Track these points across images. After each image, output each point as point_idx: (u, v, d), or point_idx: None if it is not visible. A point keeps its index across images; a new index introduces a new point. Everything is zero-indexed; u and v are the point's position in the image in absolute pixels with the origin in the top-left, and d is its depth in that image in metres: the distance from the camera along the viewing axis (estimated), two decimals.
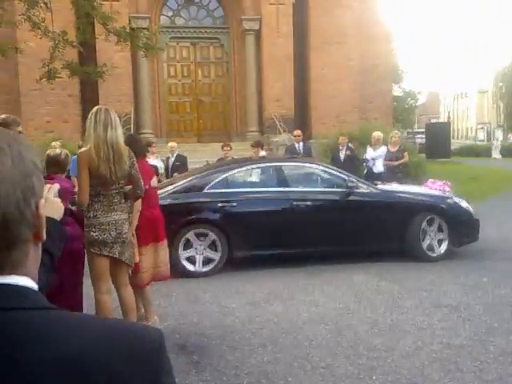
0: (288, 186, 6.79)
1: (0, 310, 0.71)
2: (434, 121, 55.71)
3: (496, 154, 29.74)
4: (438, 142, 23.15)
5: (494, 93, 63.04)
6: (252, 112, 16.26)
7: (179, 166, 10.29)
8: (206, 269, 6.36)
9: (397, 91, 34.27)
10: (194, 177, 6.82)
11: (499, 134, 64.16)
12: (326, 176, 7.11)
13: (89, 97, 14.01)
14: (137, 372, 0.72)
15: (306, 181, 7.18)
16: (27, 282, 0.77)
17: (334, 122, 15.91)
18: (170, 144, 10.84)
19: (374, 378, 3.42)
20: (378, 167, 9.67)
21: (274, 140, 14.77)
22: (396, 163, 9.48)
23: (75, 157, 4.19)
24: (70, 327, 0.74)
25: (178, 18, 16.60)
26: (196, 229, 6.37)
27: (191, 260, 6.36)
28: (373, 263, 6.60)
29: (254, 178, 7.12)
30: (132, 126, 13.82)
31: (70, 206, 3.73)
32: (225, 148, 10.09)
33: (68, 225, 3.71)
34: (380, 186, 7.24)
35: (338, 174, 7.08)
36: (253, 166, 7.18)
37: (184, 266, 6.29)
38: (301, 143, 10.82)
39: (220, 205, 6.41)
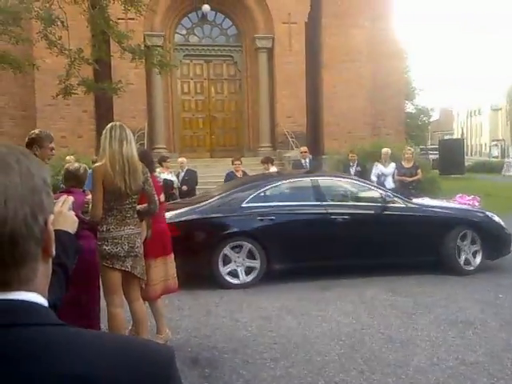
0: (325, 200, 6.87)
1: (8, 326, 0.71)
2: (447, 137, 55.50)
3: (509, 172, 29.52)
4: (451, 159, 23.06)
5: (508, 110, 62.73)
6: (264, 128, 16.35)
7: (189, 180, 10.38)
8: (250, 278, 6.41)
9: (410, 108, 34.24)
10: (232, 191, 6.89)
11: None
12: (363, 190, 7.24)
13: (103, 113, 14.21)
14: None
15: (342, 195, 7.27)
16: (36, 298, 0.77)
17: (346, 138, 15.93)
18: (180, 159, 10.97)
19: None
20: (390, 183, 9.64)
21: (285, 155, 14.82)
22: (410, 179, 9.44)
23: (90, 171, 4.24)
24: (78, 344, 0.73)
25: (191, 36, 16.84)
26: (233, 242, 6.43)
27: (233, 274, 6.40)
28: (386, 278, 6.54)
29: (291, 192, 7.14)
30: (146, 141, 13.97)
31: (86, 219, 3.75)
32: (235, 162, 10.18)
33: (85, 238, 3.75)
34: (415, 201, 7.34)
35: (374, 188, 7.29)
36: (290, 180, 7.30)
37: (228, 281, 6.35)
38: (307, 159, 10.86)
39: (258, 218, 6.49)
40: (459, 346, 4.18)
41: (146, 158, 4.35)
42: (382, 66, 16.96)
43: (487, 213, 7.33)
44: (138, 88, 14.40)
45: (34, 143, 3.77)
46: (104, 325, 4.02)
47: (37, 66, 8.62)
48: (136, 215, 3.79)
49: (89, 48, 8.27)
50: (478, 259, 6.91)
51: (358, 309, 5.30)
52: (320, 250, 6.60)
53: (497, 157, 66.70)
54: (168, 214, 6.22)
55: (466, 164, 27.86)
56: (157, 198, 3.90)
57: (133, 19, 12.34)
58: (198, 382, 3.62)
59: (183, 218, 6.32)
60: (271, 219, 6.51)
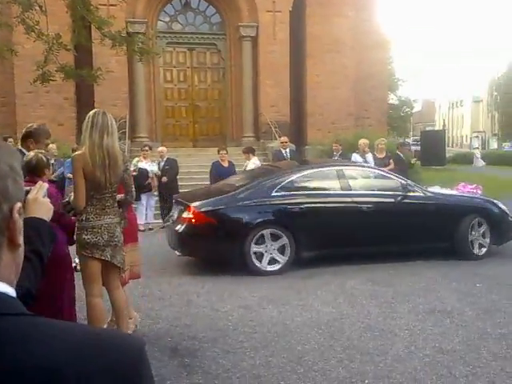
0: (350, 190, 7.05)
1: None
2: (429, 128, 56.01)
3: (479, 163, 30.43)
4: (432, 150, 23.24)
5: (489, 102, 63.52)
6: (248, 117, 16.29)
7: (169, 169, 10.32)
8: (269, 268, 6.52)
9: (392, 99, 34.41)
10: (260, 180, 7.03)
11: (493, 143, 64.58)
12: (385, 179, 7.45)
13: (84, 100, 14.00)
14: (115, 382, 0.70)
15: (366, 184, 7.39)
16: (1, 287, 0.75)
17: (330, 128, 15.96)
18: (160, 149, 10.92)
19: (367, 381, 3.41)
20: None
21: (269, 146, 14.80)
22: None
23: (69, 160, 4.18)
24: (45, 335, 0.71)
25: (175, 24, 16.63)
26: (268, 229, 6.58)
27: (258, 256, 6.51)
28: (366, 268, 6.62)
29: (318, 181, 7.28)
30: (127, 129, 13.82)
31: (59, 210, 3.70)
32: (221, 152, 10.15)
33: (55, 228, 3.69)
34: (431, 189, 7.70)
35: (395, 178, 7.49)
36: (316, 169, 7.47)
37: (252, 262, 6.45)
38: (288, 149, 10.87)
39: (288, 207, 6.69)
40: (436, 335, 4.24)
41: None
42: (366, 57, 16.97)
43: (494, 200, 7.73)
44: (120, 76, 14.21)
45: (30, 137, 3.70)
46: (83, 314, 3.99)
47: (15, 51, 8.43)
48: (116, 204, 3.76)
49: (69, 34, 8.11)
50: (488, 240, 7.28)
51: (339, 298, 5.34)
52: (347, 237, 6.85)
53: (477, 148, 67.59)
54: (196, 203, 6.53)
55: (447, 155, 28.16)
56: (134, 189, 3.88)
57: (114, 5, 12.19)
58: (178, 371, 3.61)
59: (214, 208, 6.54)
60: (300, 208, 6.68)
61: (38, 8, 7.20)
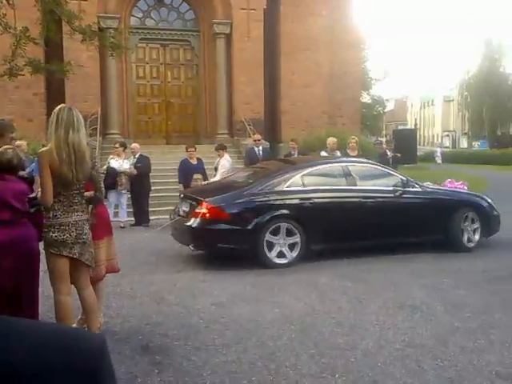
0: (355, 185, 7.32)
1: None
2: (401, 127, 56.81)
3: (439, 160, 32.65)
4: (404, 148, 23.56)
5: (460, 102, 64.77)
6: (222, 115, 16.25)
7: (141, 167, 10.22)
8: (278, 261, 6.70)
9: (366, 98, 34.74)
10: (271, 175, 7.23)
11: (464, 142, 65.89)
12: (386, 175, 7.73)
13: (55, 96, 13.72)
14: (74, 381, 0.69)
15: (368, 179, 7.62)
16: None
17: (303, 126, 16.05)
18: (133, 145, 10.81)
19: (337, 376, 3.43)
20: None
21: (243, 143, 14.80)
22: None
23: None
24: (1, 333, 0.70)
25: (148, 20, 16.47)
26: (280, 223, 6.77)
27: (269, 246, 6.69)
28: (338, 264, 6.70)
29: (325, 177, 7.45)
30: (99, 126, 13.63)
31: (27, 208, 3.63)
32: (189, 149, 10.11)
33: (23, 226, 3.63)
34: (425, 185, 8.02)
35: (394, 173, 7.87)
36: (324, 165, 7.62)
37: (264, 252, 6.63)
38: (260, 147, 10.88)
39: (299, 202, 6.91)
40: (406, 329, 4.30)
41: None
42: (340, 56, 17.10)
43: (482, 195, 8.23)
44: (92, 71, 14.00)
45: None
46: (51, 313, 3.92)
47: None
48: (84, 201, 3.70)
49: (38, 28, 7.93)
50: (477, 237, 7.71)
51: (311, 294, 5.37)
52: (354, 231, 7.11)
53: (448, 147, 68.93)
54: (210, 198, 6.74)
55: (419, 154, 28.67)
56: (103, 185, 3.83)
57: (85, 0, 12.02)
58: (149, 369, 3.58)
59: (228, 203, 6.71)
60: (310, 202, 6.91)
61: (5, 1, 7.03)
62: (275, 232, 6.73)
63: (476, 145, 59.22)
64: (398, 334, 4.21)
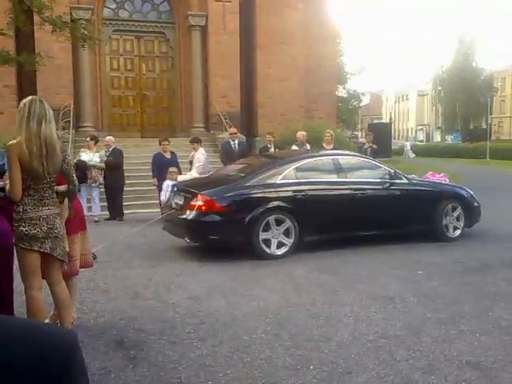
0: (345, 177, 7.48)
1: None
2: (376, 121, 57.39)
3: (410, 154, 33.67)
4: (379, 142, 23.82)
5: (434, 96, 65.66)
6: (197, 108, 16.14)
7: (113, 160, 10.11)
8: (279, 252, 6.81)
9: (341, 92, 34.92)
10: (265, 168, 7.33)
11: (437, 136, 66.86)
12: (375, 168, 7.92)
13: (26, 88, 13.44)
14: (45, 377, 0.68)
15: (358, 172, 7.79)
16: None
17: (280, 120, 16.06)
18: (107, 138, 10.70)
19: (312, 367, 3.46)
20: None
21: (219, 136, 14.74)
22: None
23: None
24: None
25: (122, 11, 16.23)
26: (274, 215, 6.87)
27: (267, 243, 6.79)
28: (313, 256, 6.75)
29: (317, 170, 7.57)
30: (72, 119, 13.40)
31: None
32: (163, 143, 10.02)
33: None
34: (411, 177, 8.27)
35: (383, 166, 8.03)
36: (316, 158, 7.77)
37: (262, 248, 6.74)
38: (236, 141, 10.85)
39: (293, 194, 7.02)
40: (379, 321, 4.36)
41: None
42: (316, 50, 17.15)
43: (465, 187, 8.48)
44: (64, 63, 13.72)
45: None
46: (23, 309, 3.85)
47: None
48: (54, 195, 3.64)
49: (6, 18, 7.73)
50: (462, 223, 8.01)
51: (286, 287, 5.41)
52: (345, 223, 7.29)
53: (422, 141, 69.91)
54: (206, 191, 6.82)
55: (393, 147, 29.01)
56: (75, 178, 3.77)
57: None
58: (123, 364, 3.55)
59: (224, 195, 6.80)
60: (303, 195, 7.05)
61: None
62: (268, 224, 6.83)
63: (449, 138, 60.21)
64: (371, 325, 4.27)
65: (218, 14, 15.59)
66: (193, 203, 6.76)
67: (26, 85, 13.78)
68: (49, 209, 3.55)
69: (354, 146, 15.60)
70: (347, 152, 8.84)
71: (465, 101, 56.43)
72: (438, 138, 67.67)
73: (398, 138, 75.68)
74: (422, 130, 78.62)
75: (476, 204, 8.25)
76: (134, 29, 16.10)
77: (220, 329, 4.21)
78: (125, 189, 10.58)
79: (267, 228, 6.80)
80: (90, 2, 15.01)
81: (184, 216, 6.80)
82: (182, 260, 6.73)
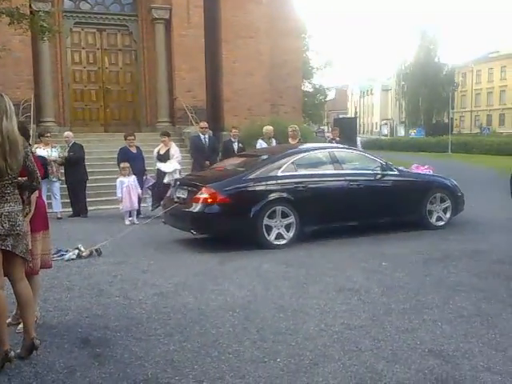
0: (342, 169, 7.77)
1: None
2: (342, 116, 58.01)
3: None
4: (345, 137, 24.10)
5: (397, 91, 66.83)
6: (162, 102, 15.98)
7: (73, 156, 9.93)
8: (277, 242, 7.05)
9: (307, 87, 35.15)
10: (266, 161, 7.52)
11: (401, 130, 68.08)
12: (368, 160, 8.24)
13: None
14: None
15: (352, 164, 8.06)
16: None
17: (246, 114, 16.07)
18: (66, 133, 10.54)
19: (279, 360, 3.48)
20: None
21: (185, 131, 14.64)
22: None
23: None
24: None
25: (82, 3, 15.89)
26: (278, 206, 7.11)
27: (268, 229, 7.02)
28: (281, 250, 6.81)
29: (315, 162, 7.85)
30: (32, 113, 13.06)
31: None
32: (129, 137, 9.91)
33: None
34: (401, 168, 8.62)
35: (374, 157, 8.39)
36: (314, 151, 8.06)
37: (263, 234, 6.96)
38: (206, 135, 10.80)
39: (293, 186, 7.24)
40: (345, 312, 4.43)
41: (25, 133, 4.11)
42: (281, 44, 17.21)
43: (449, 178, 8.92)
44: (23, 56, 13.38)
45: None
46: None
47: None
48: (17, 191, 3.54)
49: None
50: (448, 215, 8.41)
51: (254, 281, 5.42)
52: (343, 212, 7.58)
53: (386, 135, 71.09)
54: (211, 184, 7.03)
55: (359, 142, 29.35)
56: (39, 174, 3.67)
57: None
58: (89, 362, 3.50)
59: (228, 188, 6.98)
60: (303, 186, 7.26)
61: None
62: (272, 214, 7.05)
63: (412, 133, 61.46)
64: (337, 317, 4.33)
65: (181, 8, 15.43)
66: (198, 196, 6.95)
67: None
68: (10, 206, 3.45)
69: (322, 140, 15.79)
70: (342, 146, 9.19)
71: (427, 95, 57.69)
72: (402, 132, 68.98)
73: (364, 133, 76.82)
74: (386, 124, 79.94)
75: (459, 193, 8.64)
76: (96, 21, 15.80)
77: (187, 324, 4.19)
78: (88, 184, 10.40)
79: (272, 216, 7.05)
80: None
81: (189, 209, 6.96)
82: (149, 256, 6.66)
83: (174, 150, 9.88)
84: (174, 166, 9.61)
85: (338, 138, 12.44)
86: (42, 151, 9.59)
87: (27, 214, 3.79)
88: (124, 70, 16.31)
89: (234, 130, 10.79)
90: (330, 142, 12.22)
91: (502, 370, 3.31)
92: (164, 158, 9.78)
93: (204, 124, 11.05)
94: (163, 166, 9.59)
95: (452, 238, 7.58)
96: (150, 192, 9.83)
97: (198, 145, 10.58)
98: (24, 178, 3.64)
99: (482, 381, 3.17)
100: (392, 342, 3.77)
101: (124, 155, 9.72)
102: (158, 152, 9.92)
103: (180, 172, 9.70)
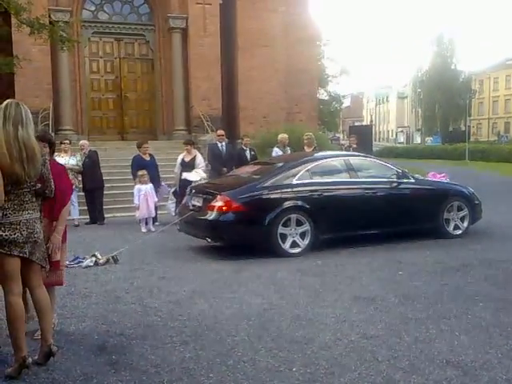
0: (357, 177, 7.74)
1: None
2: (357, 123, 57.80)
3: None
4: (360, 144, 24.03)
5: (413, 98, 66.39)
6: (179, 111, 16.10)
7: (89, 163, 10.06)
8: (292, 250, 7.03)
9: (323, 95, 35.12)
10: (280, 170, 7.57)
11: (417, 138, 67.51)
12: (383, 168, 8.21)
13: (4, 92, 13.18)
14: None
15: (367, 172, 8.03)
16: None
17: (262, 122, 16.12)
18: (81, 142, 10.66)
19: (294, 369, 3.47)
20: None
21: (201, 139, 14.72)
22: None
23: None
24: None
25: (101, 13, 16.14)
26: (293, 214, 7.10)
27: (283, 239, 7.01)
28: (295, 259, 6.79)
29: (330, 170, 7.85)
30: (51, 122, 13.26)
31: None
32: (144, 145, 10.02)
33: None
34: (417, 176, 8.59)
35: (390, 165, 8.38)
36: (329, 159, 8.07)
37: (278, 242, 6.95)
38: (223, 143, 10.87)
39: (308, 194, 7.24)
40: (361, 321, 4.39)
41: (49, 139, 4.19)
42: (297, 52, 17.23)
43: (466, 186, 8.81)
44: (43, 65, 13.59)
45: None
46: (2, 314, 3.80)
47: None
48: (35, 199, 3.59)
49: None
50: (466, 223, 8.31)
51: (269, 289, 5.41)
52: (358, 221, 7.49)
53: (402, 143, 70.64)
54: (226, 192, 7.06)
55: (374, 149, 29.23)
56: (53, 183, 3.70)
57: None
58: (105, 369, 3.52)
59: (243, 196, 7.01)
60: (318, 194, 7.28)
61: None
62: (287, 222, 7.05)
63: (429, 140, 60.93)
64: (353, 326, 4.30)
65: (198, 17, 15.58)
66: (213, 204, 6.98)
67: (3, 88, 13.54)
68: (29, 213, 3.50)
69: (337, 147, 15.76)
70: (358, 153, 9.17)
71: (444, 103, 57.16)
72: (418, 139, 68.49)
73: (379, 140, 76.42)
74: (402, 131, 79.48)
75: (477, 202, 8.54)
76: (114, 31, 16.02)
77: (203, 332, 4.20)
78: (105, 192, 10.49)
79: (287, 224, 7.04)
80: (69, 4, 14.91)
81: (204, 217, 6.99)
82: (165, 263, 6.69)
83: (200, 159, 9.94)
84: (200, 174, 9.66)
85: (354, 145, 12.45)
86: (60, 159, 9.70)
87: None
88: (141, 79, 16.51)
89: (245, 139, 10.95)
90: (347, 149, 12.17)
91: None
92: (189, 166, 9.80)
93: (221, 132, 11.11)
94: (189, 176, 9.60)
95: (470, 247, 7.48)
96: (173, 197, 9.88)
97: (216, 152, 10.66)
98: (38, 185, 3.69)
99: None
100: (409, 352, 3.73)
101: (138, 163, 9.80)
102: (183, 159, 9.95)
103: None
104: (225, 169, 10.09)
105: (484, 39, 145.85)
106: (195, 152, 10.08)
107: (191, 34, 15.68)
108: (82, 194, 10.33)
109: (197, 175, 9.60)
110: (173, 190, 9.83)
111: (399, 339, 4.00)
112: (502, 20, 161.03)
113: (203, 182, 9.46)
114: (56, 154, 10.09)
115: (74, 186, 9.86)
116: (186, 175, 9.63)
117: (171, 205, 9.90)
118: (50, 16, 13.20)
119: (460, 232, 8.25)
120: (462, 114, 52.01)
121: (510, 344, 3.86)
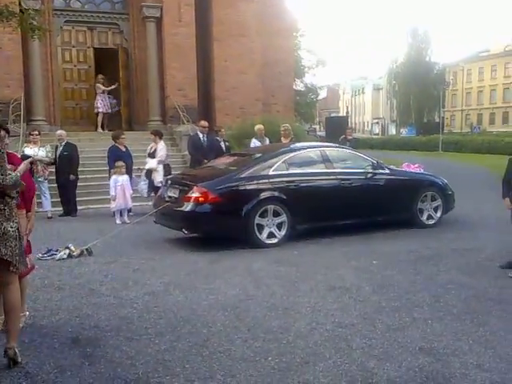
0: (333, 168, 7.77)
1: None
2: (333, 115, 58.09)
3: None
4: (336, 135, 24.17)
5: (388, 90, 67.00)
6: (154, 101, 15.92)
7: (67, 155, 9.86)
8: (268, 241, 7.04)
9: (299, 86, 35.15)
10: (257, 161, 7.54)
11: (392, 129, 68.28)
12: (359, 159, 8.22)
13: None
14: None
15: (344, 163, 8.08)
16: None
17: (238, 113, 16.04)
18: (59, 132, 10.40)
19: (270, 359, 3.49)
20: None
21: (177, 130, 14.60)
22: None
23: None
24: None
25: (73, 1, 15.78)
26: (270, 205, 7.10)
27: (259, 228, 7.02)
28: (272, 249, 6.82)
29: (306, 161, 7.83)
30: (22, 112, 12.95)
31: None
32: (122, 136, 9.94)
33: None
34: (392, 167, 8.63)
35: (365, 156, 8.40)
36: (305, 150, 8.08)
37: (255, 233, 6.96)
38: (205, 134, 10.80)
39: (285, 185, 7.26)
40: (336, 310, 4.44)
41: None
42: (273, 43, 17.16)
43: (439, 176, 8.95)
44: (13, 55, 13.27)
45: None
46: None
47: None
48: None
49: None
50: (439, 213, 8.45)
51: (245, 280, 5.42)
52: (334, 211, 7.57)
53: (378, 134, 71.33)
54: (203, 183, 6.99)
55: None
56: (7, 171, 3.54)
57: None
58: (79, 362, 3.48)
59: (220, 187, 6.96)
60: (295, 185, 7.30)
61: None
62: (264, 213, 7.05)
63: (403, 131, 61.67)
64: (328, 315, 4.34)
65: (173, 6, 15.36)
66: (189, 195, 6.93)
67: None
68: None
69: (315, 138, 15.81)
70: (334, 144, 9.21)
71: (418, 94, 57.88)
72: (393, 131, 69.24)
73: (355, 132, 76.89)
74: (377, 123, 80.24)
75: (450, 192, 8.68)
76: (87, 20, 15.71)
77: (178, 324, 4.18)
78: (78, 183, 10.33)
79: (264, 215, 7.04)
80: None
81: (181, 208, 6.95)
82: (140, 255, 6.63)
83: (159, 148, 9.93)
84: (150, 164, 9.73)
85: (350, 137, 12.55)
86: (29, 150, 9.52)
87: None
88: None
89: (221, 130, 10.96)
90: (343, 141, 12.23)
91: (491, 367, 3.34)
92: (152, 156, 9.95)
93: (205, 123, 10.99)
94: (147, 165, 9.85)
95: (442, 237, 7.62)
96: (145, 178, 9.94)
97: (197, 143, 10.59)
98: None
99: (471, 378, 3.19)
100: (383, 340, 3.79)
101: (115, 154, 9.69)
102: (149, 151, 10.05)
103: (166, 166, 9.85)
104: (205, 160, 10.05)
105: (458, 32, 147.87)
106: (159, 142, 10.05)
107: (166, 23, 15.47)
108: (55, 185, 10.13)
109: (148, 164, 9.82)
110: (145, 171, 9.88)
111: (373, 327, 4.05)
112: (476, 13, 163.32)
113: (161, 170, 9.64)
114: (25, 145, 9.93)
115: (42, 178, 9.67)
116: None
117: (143, 186, 9.88)
118: (20, 4, 12.87)
119: (433, 222, 8.38)
120: (436, 105, 52.81)
121: (481, 331, 3.95)
